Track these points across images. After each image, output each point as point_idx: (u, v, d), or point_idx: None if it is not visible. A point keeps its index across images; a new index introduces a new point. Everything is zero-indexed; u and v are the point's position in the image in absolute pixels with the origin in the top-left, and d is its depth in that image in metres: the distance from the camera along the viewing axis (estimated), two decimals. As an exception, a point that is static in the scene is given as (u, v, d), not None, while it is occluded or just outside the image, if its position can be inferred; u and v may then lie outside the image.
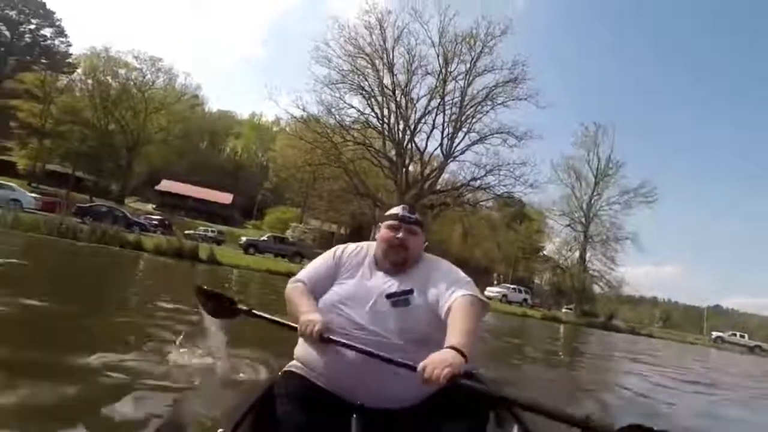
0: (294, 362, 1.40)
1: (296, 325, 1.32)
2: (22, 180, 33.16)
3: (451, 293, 1.35)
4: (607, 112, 76.53)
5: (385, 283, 1.40)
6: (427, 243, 1.54)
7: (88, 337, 3.19)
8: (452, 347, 1.15)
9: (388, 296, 1.36)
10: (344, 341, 1.25)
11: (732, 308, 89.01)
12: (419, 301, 1.37)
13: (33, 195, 20.13)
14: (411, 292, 1.37)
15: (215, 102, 79.85)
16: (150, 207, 42.47)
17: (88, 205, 21.84)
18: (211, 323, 1.97)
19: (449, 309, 1.31)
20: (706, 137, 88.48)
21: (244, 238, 24.57)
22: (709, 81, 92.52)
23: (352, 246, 1.57)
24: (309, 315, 1.31)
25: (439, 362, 1.10)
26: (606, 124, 34.93)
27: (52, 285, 5.71)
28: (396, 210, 1.51)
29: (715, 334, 37.89)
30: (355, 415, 1.20)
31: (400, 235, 1.44)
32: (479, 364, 1.33)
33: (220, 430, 1.06)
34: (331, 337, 1.26)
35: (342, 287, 1.42)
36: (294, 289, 1.47)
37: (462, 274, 1.46)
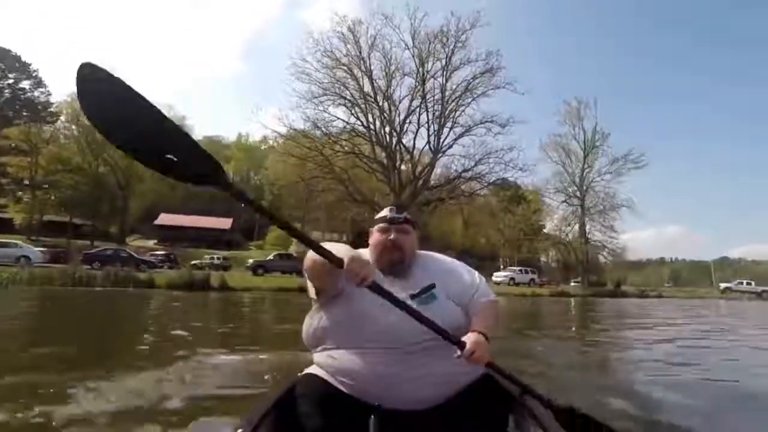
0: (314, 366, 1.40)
1: (341, 258, 1.17)
2: (21, 235, 33.54)
3: (473, 294, 1.43)
4: (590, 83, 77.45)
5: (402, 286, 1.39)
6: (422, 237, 1.57)
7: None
8: (480, 332, 1.26)
9: (413, 297, 1.36)
10: (389, 292, 1.22)
11: (739, 257, 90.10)
12: (443, 295, 1.39)
13: (39, 249, 20.58)
14: (433, 285, 1.39)
15: (201, 129, 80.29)
16: (152, 243, 42.86)
17: (93, 251, 22.27)
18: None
19: (474, 306, 1.41)
20: (693, 94, 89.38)
21: (251, 261, 25.08)
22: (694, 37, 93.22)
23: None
24: (357, 255, 1.18)
25: (481, 345, 1.19)
26: (588, 97, 35.70)
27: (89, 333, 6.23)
28: (384, 212, 1.51)
29: (723, 285, 38.58)
30: (373, 416, 1.21)
31: (392, 236, 1.44)
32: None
33: (240, 430, 1.09)
34: (376, 286, 1.20)
35: (362, 300, 1.34)
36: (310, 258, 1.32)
37: (458, 261, 1.57)
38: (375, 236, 1.48)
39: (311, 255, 1.27)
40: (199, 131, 61.15)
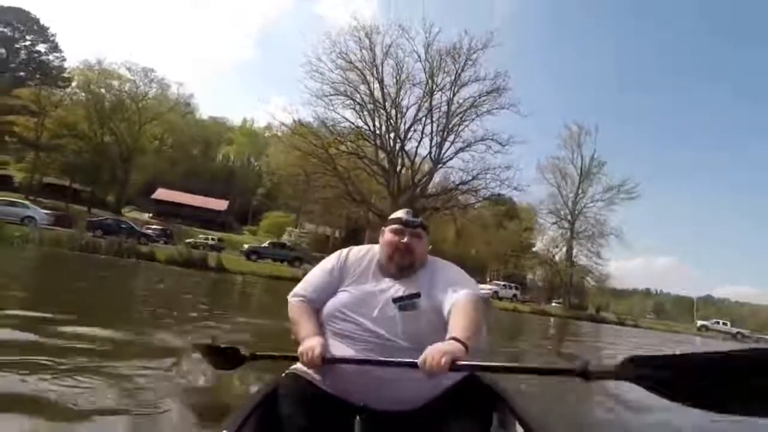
0: (297, 364, 1.39)
1: (297, 354, 1.33)
2: (20, 193, 34.29)
3: (452, 294, 1.38)
4: (590, 111, 79.29)
5: (392, 288, 1.43)
6: (431, 246, 1.59)
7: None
8: (452, 338, 1.21)
9: (395, 300, 1.38)
10: (345, 357, 1.30)
11: (724, 297, 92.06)
12: (426, 305, 1.38)
13: (45, 211, 21.54)
14: (418, 295, 1.39)
15: (207, 109, 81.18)
16: (146, 216, 43.68)
17: (97, 219, 23.26)
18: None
19: (450, 308, 1.34)
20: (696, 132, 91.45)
21: (246, 246, 26.15)
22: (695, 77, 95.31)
23: (356, 250, 1.60)
24: (308, 341, 1.33)
25: (436, 351, 1.14)
26: (589, 124, 37.16)
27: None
28: (400, 214, 1.53)
29: (699, 322, 40.10)
30: (358, 417, 1.22)
31: (405, 239, 1.46)
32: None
33: (224, 430, 1.10)
34: (333, 356, 1.29)
35: (348, 292, 1.44)
36: (295, 308, 1.49)
37: (466, 275, 1.52)
38: (387, 236, 1.50)
39: (292, 313, 1.50)
40: (204, 111, 62.13)
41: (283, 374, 1.43)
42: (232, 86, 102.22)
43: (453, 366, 1.13)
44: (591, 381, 1.06)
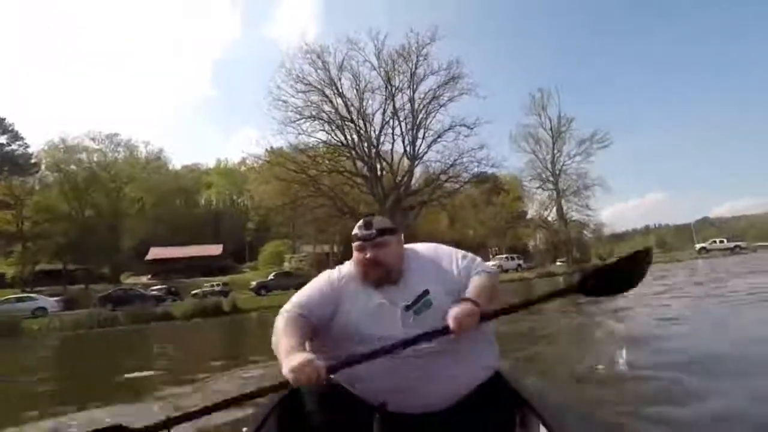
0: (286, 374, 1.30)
1: (280, 382, 1.17)
2: (13, 288, 34.57)
3: (467, 276, 1.42)
4: (560, 70, 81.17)
5: (395, 298, 1.37)
6: (406, 236, 1.51)
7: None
8: (463, 299, 1.28)
9: (407, 308, 1.35)
10: (353, 358, 1.23)
11: (720, 216, 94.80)
12: (438, 297, 1.36)
13: (53, 299, 22.22)
14: (427, 292, 1.36)
15: (179, 159, 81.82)
16: (145, 279, 44.14)
17: (106, 293, 23.96)
18: None
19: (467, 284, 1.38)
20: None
21: (253, 282, 27.02)
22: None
23: (344, 268, 1.51)
24: (292, 358, 1.15)
25: (461, 312, 1.21)
26: (550, 87, 38.75)
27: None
28: (355, 230, 1.45)
29: (698, 246, 41.76)
30: (377, 416, 1.22)
31: (368, 255, 1.39)
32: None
33: (245, 429, 1.13)
34: (333, 364, 1.21)
35: (357, 310, 1.38)
36: (280, 321, 1.34)
37: (455, 250, 1.53)
38: (355, 254, 1.45)
39: (276, 338, 1.28)
40: (177, 161, 62.58)
41: None
42: (199, 128, 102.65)
43: (481, 320, 1.26)
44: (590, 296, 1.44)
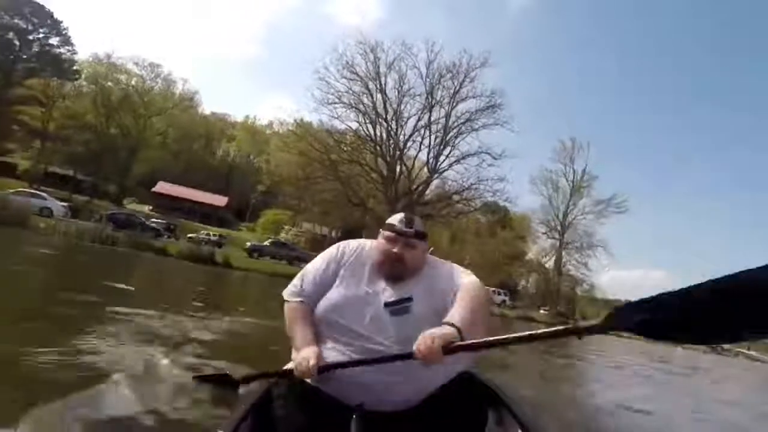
0: (291, 363, 1.42)
1: (291, 368, 1.35)
2: (23, 181, 35.76)
3: (454, 287, 1.41)
4: (591, 129, 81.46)
5: (385, 291, 1.41)
6: (432, 249, 1.57)
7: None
8: (444, 323, 1.25)
9: (387, 305, 1.37)
10: (340, 362, 1.31)
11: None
12: (419, 309, 1.37)
13: (61, 203, 23.20)
14: (410, 299, 1.38)
15: (209, 104, 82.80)
16: (147, 208, 45.22)
17: (110, 212, 24.92)
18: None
19: (454, 299, 1.37)
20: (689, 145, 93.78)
21: (249, 243, 27.93)
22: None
23: (353, 245, 1.57)
24: (303, 351, 1.34)
25: (427, 336, 1.17)
26: (582, 140, 39.38)
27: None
28: (394, 221, 1.48)
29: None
30: (354, 417, 1.23)
31: (397, 249, 1.42)
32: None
33: (219, 430, 1.13)
34: (327, 364, 1.31)
35: (342, 293, 1.43)
36: (291, 311, 1.48)
37: (461, 268, 1.53)
38: (381, 243, 1.48)
39: (288, 315, 1.49)
40: (207, 105, 63.73)
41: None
42: (236, 82, 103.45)
43: (446, 349, 1.16)
44: (582, 337, 1.10)
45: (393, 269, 1.45)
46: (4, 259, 7.92)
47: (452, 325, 1.24)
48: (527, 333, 1.23)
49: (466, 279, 1.45)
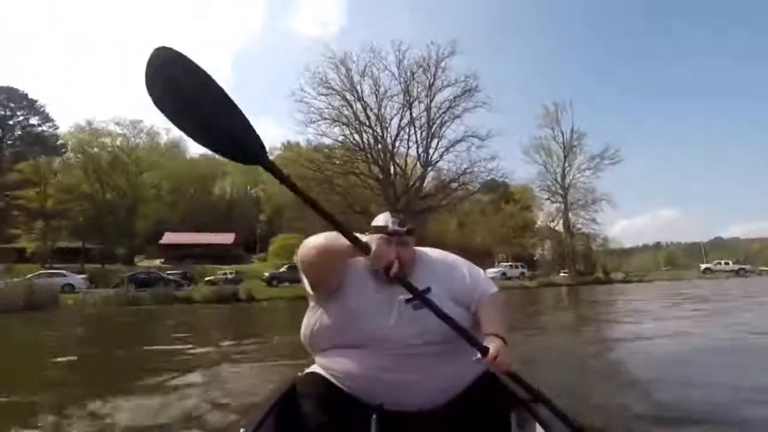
0: (315, 365, 1.44)
1: (367, 245, 1.21)
2: (33, 263, 36.57)
3: (475, 289, 1.43)
4: (576, 83, 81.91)
5: (396, 289, 1.35)
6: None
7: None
8: (497, 335, 1.24)
9: (408, 300, 1.34)
10: (415, 288, 1.25)
11: (733, 237, 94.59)
12: (439, 297, 1.34)
13: (80, 276, 24.07)
14: (428, 290, 1.34)
15: (196, 147, 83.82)
16: (158, 262, 46.08)
17: (129, 274, 25.76)
18: None
19: (478, 307, 1.40)
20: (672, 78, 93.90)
21: (266, 274, 28.77)
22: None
23: None
24: (380, 246, 1.23)
25: (505, 352, 1.19)
26: (564, 100, 39.95)
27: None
28: (383, 221, 1.43)
29: (703, 266, 42.60)
30: (374, 416, 1.25)
31: (393, 251, 1.33)
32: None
33: (242, 429, 1.14)
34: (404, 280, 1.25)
35: (354, 298, 1.39)
36: (315, 238, 1.35)
37: (461, 259, 1.55)
38: (374, 246, 1.36)
39: (314, 243, 1.32)
40: (194, 150, 64.64)
41: (301, 373, 1.48)
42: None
43: (508, 372, 1.22)
44: None
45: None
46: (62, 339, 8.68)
47: (498, 335, 1.24)
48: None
49: (491, 289, 1.47)
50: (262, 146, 1.15)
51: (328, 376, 1.38)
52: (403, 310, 1.36)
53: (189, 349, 5.98)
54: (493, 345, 1.21)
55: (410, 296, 1.31)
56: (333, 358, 1.40)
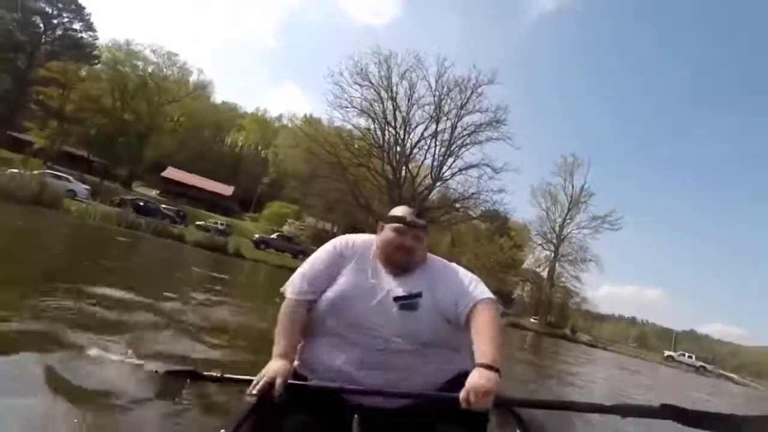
0: (296, 363, 1.43)
1: (251, 378, 1.31)
2: (37, 158, 37.40)
3: (468, 298, 1.39)
4: (588, 146, 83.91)
5: (392, 286, 1.41)
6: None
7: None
8: (485, 365, 1.19)
9: (396, 299, 1.38)
10: (310, 384, 1.33)
11: (706, 334, 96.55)
12: (427, 306, 1.38)
13: (84, 186, 25.00)
14: (419, 295, 1.38)
15: (221, 92, 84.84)
16: (154, 193, 47.01)
17: (130, 198, 26.71)
18: None
19: (469, 316, 1.36)
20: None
21: (256, 235, 29.80)
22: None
23: (356, 239, 1.57)
24: (273, 363, 1.31)
25: (480, 389, 1.15)
26: (583, 157, 41.36)
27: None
28: (403, 212, 1.49)
29: (666, 353, 44.02)
30: (356, 415, 1.26)
31: (407, 241, 1.45)
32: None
33: (222, 430, 1.14)
34: (293, 383, 1.29)
35: (347, 286, 1.44)
36: (288, 310, 1.45)
37: (470, 274, 1.51)
38: (387, 234, 1.48)
39: (280, 316, 1.45)
40: (218, 94, 65.50)
41: None
42: (250, 73, 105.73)
43: (496, 404, 1.17)
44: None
45: (401, 261, 1.46)
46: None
47: (492, 367, 1.20)
48: (610, 404, 1.26)
49: (483, 295, 1.41)
50: None
51: (308, 375, 1.41)
52: (389, 305, 1.40)
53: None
54: (467, 384, 1.18)
55: (400, 296, 1.39)
56: (314, 352, 1.44)
